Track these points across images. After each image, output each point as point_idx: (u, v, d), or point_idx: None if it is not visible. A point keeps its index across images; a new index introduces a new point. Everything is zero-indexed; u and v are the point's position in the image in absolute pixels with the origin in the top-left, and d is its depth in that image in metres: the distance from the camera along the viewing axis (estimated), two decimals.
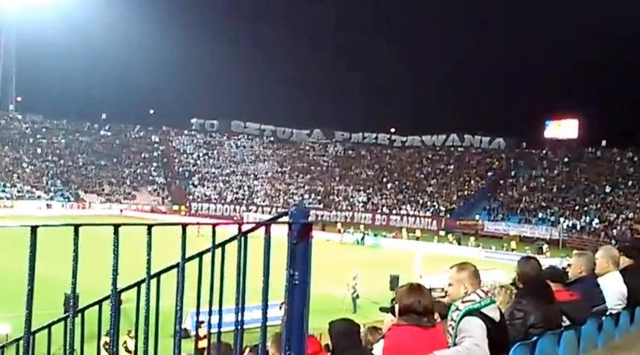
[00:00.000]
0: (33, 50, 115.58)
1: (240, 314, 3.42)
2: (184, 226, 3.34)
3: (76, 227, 2.95)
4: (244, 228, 3.36)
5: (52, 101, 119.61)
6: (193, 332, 18.25)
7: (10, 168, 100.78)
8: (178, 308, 3.45)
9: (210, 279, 3.48)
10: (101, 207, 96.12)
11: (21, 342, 4.33)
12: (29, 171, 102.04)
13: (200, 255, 3.57)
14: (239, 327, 3.43)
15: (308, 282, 3.33)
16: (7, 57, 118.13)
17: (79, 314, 4.23)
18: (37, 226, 2.80)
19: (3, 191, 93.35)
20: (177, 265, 3.48)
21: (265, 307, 3.44)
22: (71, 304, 3.23)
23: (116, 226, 3.12)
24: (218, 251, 3.47)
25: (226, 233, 3.48)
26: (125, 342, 18.87)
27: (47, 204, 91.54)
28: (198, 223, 3.42)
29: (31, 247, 2.82)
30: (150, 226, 3.30)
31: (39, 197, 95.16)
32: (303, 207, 3.26)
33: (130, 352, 18.78)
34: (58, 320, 4.58)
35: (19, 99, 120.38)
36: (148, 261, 3.32)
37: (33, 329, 4.47)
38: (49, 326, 4.48)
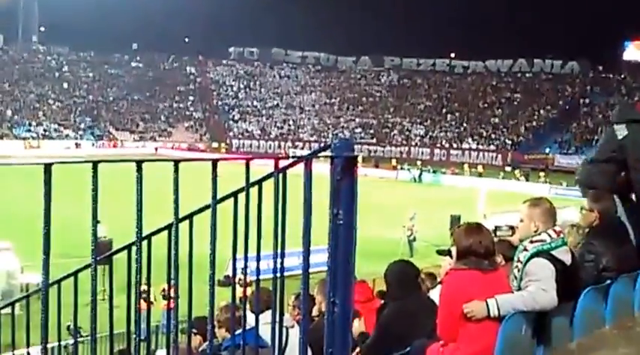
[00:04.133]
0: None
1: (279, 259, 3.39)
2: (215, 162, 3.28)
3: (95, 164, 2.94)
4: (282, 163, 3.31)
5: (78, 31, 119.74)
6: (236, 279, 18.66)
7: (35, 105, 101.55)
8: (211, 253, 3.43)
9: (244, 222, 3.44)
10: (135, 145, 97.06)
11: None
12: (56, 108, 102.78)
13: (234, 194, 3.53)
14: (278, 274, 3.41)
15: (354, 222, 3.28)
16: None
17: (108, 262, 4.24)
18: (51, 163, 2.79)
19: (28, 130, 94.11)
20: (208, 206, 3.44)
21: (307, 251, 3.40)
22: (92, 248, 3.20)
23: (139, 162, 3.10)
24: (254, 191, 3.43)
25: (261, 171, 3.42)
26: (163, 290, 19.25)
27: (76, 144, 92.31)
28: (231, 158, 3.34)
29: (46, 187, 2.82)
30: (177, 162, 3.25)
31: (67, 136, 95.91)
32: (346, 138, 3.18)
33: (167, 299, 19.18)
34: (84, 268, 4.60)
35: (42, 29, 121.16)
36: (175, 202, 3.28)
37: (58, 278, 4.51)
38: (75, 273, 4.50)
